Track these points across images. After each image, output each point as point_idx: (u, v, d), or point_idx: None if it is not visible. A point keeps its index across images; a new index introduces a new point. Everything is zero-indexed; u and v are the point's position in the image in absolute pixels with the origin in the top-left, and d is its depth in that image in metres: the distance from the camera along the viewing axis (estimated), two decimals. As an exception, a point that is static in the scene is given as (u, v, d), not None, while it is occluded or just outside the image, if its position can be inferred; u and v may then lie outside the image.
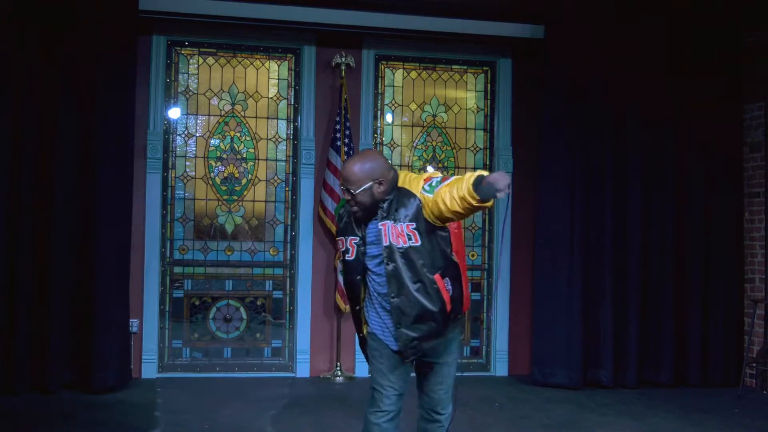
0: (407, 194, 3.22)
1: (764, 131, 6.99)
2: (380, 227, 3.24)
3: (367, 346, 3.49)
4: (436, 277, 3.24)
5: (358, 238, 3.32)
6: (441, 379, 3.44)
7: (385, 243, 3.22)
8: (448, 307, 3.29)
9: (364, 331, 3.50)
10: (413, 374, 3.52)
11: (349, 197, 3.27)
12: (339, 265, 3.60)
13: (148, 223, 6.73)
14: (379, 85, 7.28)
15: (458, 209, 3.01)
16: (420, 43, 7.17)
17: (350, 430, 4.99)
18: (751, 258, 7.10)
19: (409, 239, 3.20)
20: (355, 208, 3.29)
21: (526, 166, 7.28)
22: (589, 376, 6.81)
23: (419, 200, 3.18)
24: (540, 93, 7.02)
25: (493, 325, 7.31)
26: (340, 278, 3.66)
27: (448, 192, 3.01)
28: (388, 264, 3.23)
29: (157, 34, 6.80)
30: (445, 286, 3.27)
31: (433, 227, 3.21)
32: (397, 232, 3.20)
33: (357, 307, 3.47)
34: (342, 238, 3.40)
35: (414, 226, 3.19)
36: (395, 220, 3.21)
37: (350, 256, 3.34)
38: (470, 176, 2.96)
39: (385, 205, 3.25)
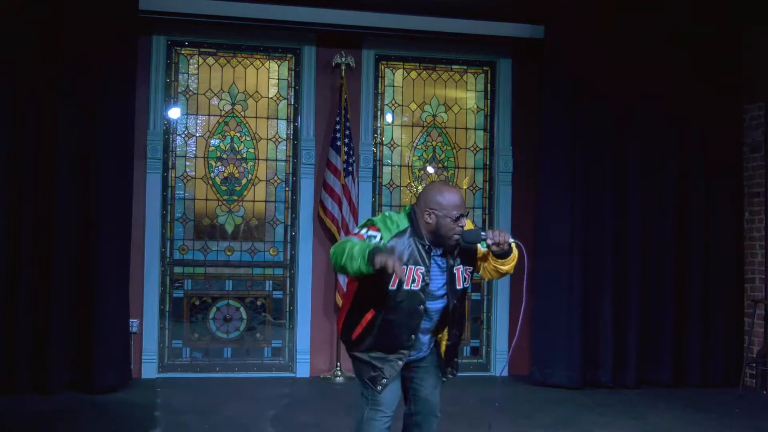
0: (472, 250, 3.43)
1: (764, 131, 6.99)
2: (455, 272, 3.38)
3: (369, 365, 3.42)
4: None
5: (423, 268, 3.31)
6: (435, 382, 3.56)
7: (459, 286, 3.40)
8: None
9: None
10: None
11: (464, 222, 3.33)
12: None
13: (148, 223, 6.73)
14: (379, 85, 7.28)
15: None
16: (420, 43, 7.17)
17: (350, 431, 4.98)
18: (751, 258, 7.09)
19: (465, 281, 3.44)
20: (460, 236, 3.31)
21: (526, 166, 7.28)
22: (588, 376, 6.81)
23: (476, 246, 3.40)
24: (540, 93, 7.02)
25: (493, 325, 7.32)
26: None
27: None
28: (457, 304, 3.42)
29: (157, 34, 6.81)
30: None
31: (475, 270, 3.51)
32: (462, 276, 3.41)
33: (413, 336, 3.34)
34: (402, 266, 3.23)
35: (470, 270, 3.46)
36: (462, 264, 3.41)
37: (416, 286, 3.29)
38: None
39: (458, 252, 3.39)
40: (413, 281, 3.29)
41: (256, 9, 6.64)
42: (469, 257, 3.43)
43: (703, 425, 5.61)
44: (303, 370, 6.91)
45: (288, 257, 7.08)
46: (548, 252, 6.82)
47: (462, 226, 3.31)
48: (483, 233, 3.29)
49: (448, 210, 3.28)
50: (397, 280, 3.25)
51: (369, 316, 3.35)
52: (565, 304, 6.77)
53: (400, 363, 3.38)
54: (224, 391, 6.27)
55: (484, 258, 3.43)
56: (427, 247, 3.33)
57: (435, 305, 3.38)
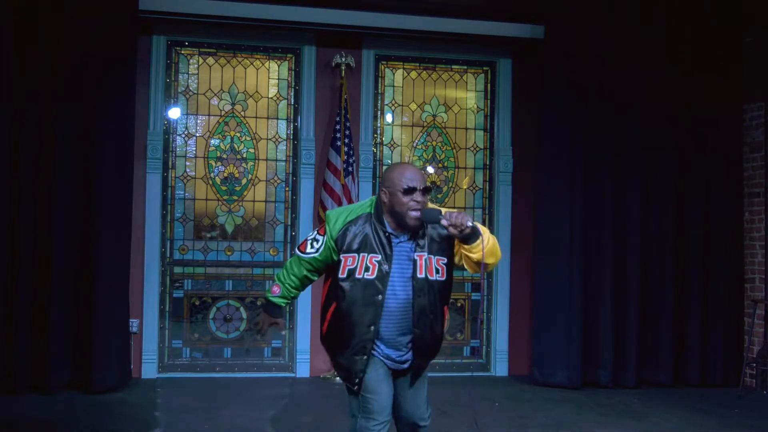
0: (445, 235, 3.24)
1: (764, 131, 6.99)
2: (416, 258, 3.23)
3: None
4: (445, 308, 3.37)
5: (380, 256, 3.20)
6: (421, 391, 3.48)
7: (420, 275, 3.22)
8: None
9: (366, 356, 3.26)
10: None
11: (420, 198, 3.19)
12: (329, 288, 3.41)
13: (148, 223, 6.73)
14: (379, 85, 7.27)
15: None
16: (420, 43, 7.17)
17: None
18: (751, 258, 7.09)
19: (437, 273, 3.26)
20: (418, 212, 3.18)
21: (526, 166, 7.28)
22: (588, 376, 6.81)
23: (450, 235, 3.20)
24: (540, 93, 7.02)
25: (493, 325, 7.31)
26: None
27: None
28: (419, 296, 3.23)
29: (157, 34, 6.81)
30: (447, 315, 3.41)
31: (452, 262, 3.30)
32: (427, 266, 3.23)
33: (372, 327, 3.20)
34: (351, 255, 3.21)
35: (444, 261, 3.27)
36: (429, 252, 3.25)
37: (370, 275, 3.19)
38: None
39: (421, 235, 3.24)
40: (366, 270, 3.19)
41: (256, 9, 6.64)
42: (443, 246, 3.26)
43: (703, 425, 5.61)
44: (303, 370, 6.91)
45: (288, 257, 7.08)
46: (548, 252, 6.83)
47: (418, 201, 3.16)
48: (441, 215, 3.12)
49: (399, 184, 3.17)
50: (346, 269, 3.20)
51: (332, 309, 3.29)
52: (565, 304, 6.77)
53: (365, 358, 3.23)
54: (224, 391, 6.27)
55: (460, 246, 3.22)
56: (387, 233, 3.22)
57: (402, 297, 3.23)
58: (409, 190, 3.16)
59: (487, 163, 7.47)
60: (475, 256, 3.14)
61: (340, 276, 3.23)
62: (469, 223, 3.07)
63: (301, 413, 5.61)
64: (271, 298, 3.42)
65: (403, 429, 3.53)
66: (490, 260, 3.17)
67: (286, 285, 3.40)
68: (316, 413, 5.60)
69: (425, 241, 3.25)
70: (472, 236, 3.10)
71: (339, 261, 3.24)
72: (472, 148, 7.48)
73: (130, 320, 6.45)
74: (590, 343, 6.82)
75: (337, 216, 3.30)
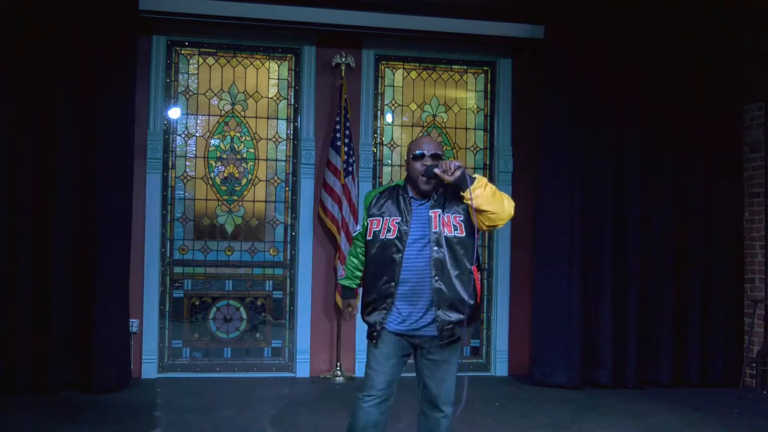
0: (458, 193, 3.49)
1: (764, 131, 6.99)
2: (431, 214, 3.52)
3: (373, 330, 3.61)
4: (474, 267, 3.54)
5: (400, 218, 3.53)
6: (443, 376, 3.59)
7: (435, 229, 3.50)
8: (478, 299, 3.60)
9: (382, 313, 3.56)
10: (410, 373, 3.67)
11: (429, 163, 3.50)
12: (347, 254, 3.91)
13: (148, 223, 6.73)
14: (379, 85, 7.28)
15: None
16: (420, 43, 7.17)
17: (350, 430, 4.98)
18: (751, 258, 7.10)
19: (455, 230, 3.51)
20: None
21: (526, 166, 7.28)
22: (588, 376, 6.81)
23: (467, 203, 3.47)
24: (540, 93, 7.02)
25: (493, 325, 7.32)
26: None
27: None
28: (436, 248, 3.48)
29: (157, 34, 6.81)
30: (479, 278, 3.60)
31: (473, 227, 3.49)
32: (443, 222, 3.51)
33: (392, 283, 3.49)
34: (377, 218, 3.58)
35: (461, 218, 3.52)
36: (444, 210, 3.53)
37: (391, 235, 3.52)
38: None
39: (437, 195, 3.56)
40: (388, 231, 3.54)
41: (256, 9, 6.64)
42: (458, 204, 3.52)
43: (703, 425, 5.61)
44: (303, 370, 6.91)
45: (288, 257, 7.08)
46: (548, 252, 6.83)
47: (427, 165, 3.50)
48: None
49: (411, 152, 3.58)
50: (372, 231, 3.58)
51: (365, 271, 3.69)
52: (565, 304, 6.77)
53: (385, 312, 3.51)
54: (224, 391, 6.27)
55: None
56: (408, 198, 3.57)
57: (422, 253, 3.48)
58: (419, 156, 3.54)
59: (487, 163, 7.48)
60: (475, 203, 3.39)
61: (368, 239, 3.62)
62: (456, 164, 3.39)
63: (301, 413, 5.61)
64: (339, 281, 3.93)
65: (425, 410, 3.64)
66: (487, 207, 3.42)
67: (350, 267, 3.83)
68: (316, 413, 5.60)
69: (440, 199, 3.55)
70: (462, 181, 3.40)
71: (367, 225, 3.63)
72: (472, 148, 7.48)
73: (130, 320, 6.45)
74: (590, 343, 6.82)
75: (371, 192, 3.73)
